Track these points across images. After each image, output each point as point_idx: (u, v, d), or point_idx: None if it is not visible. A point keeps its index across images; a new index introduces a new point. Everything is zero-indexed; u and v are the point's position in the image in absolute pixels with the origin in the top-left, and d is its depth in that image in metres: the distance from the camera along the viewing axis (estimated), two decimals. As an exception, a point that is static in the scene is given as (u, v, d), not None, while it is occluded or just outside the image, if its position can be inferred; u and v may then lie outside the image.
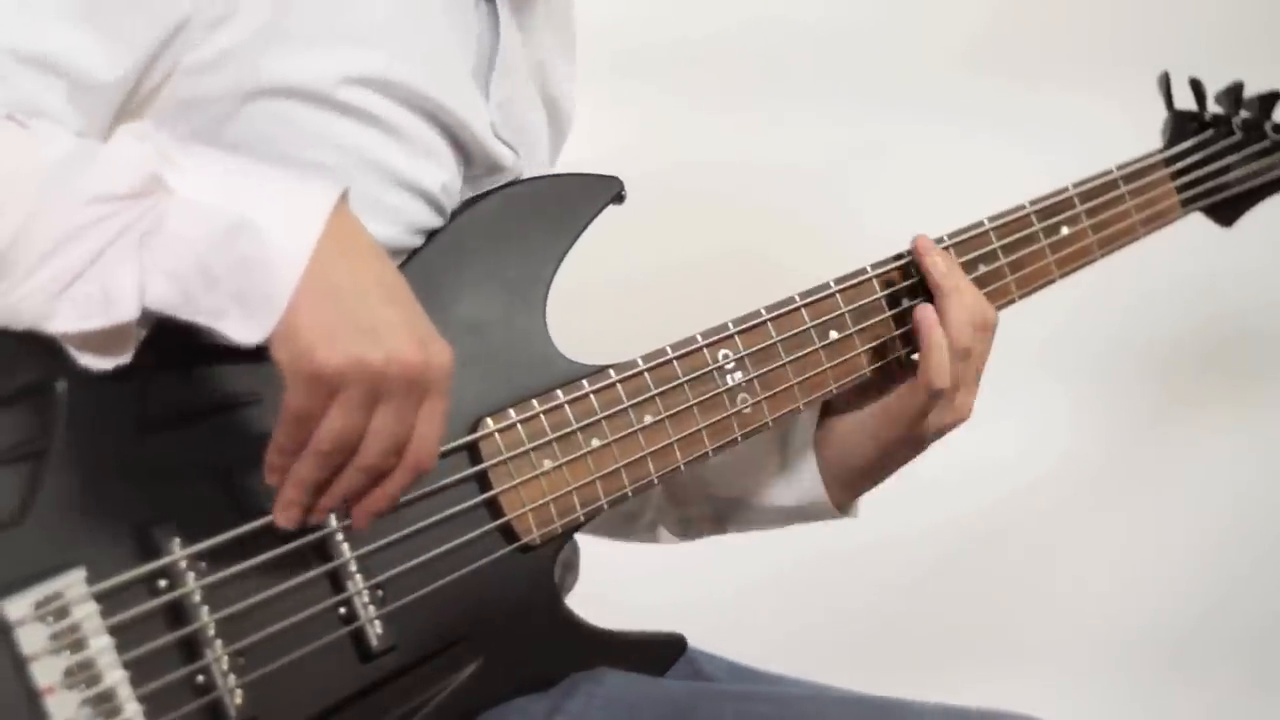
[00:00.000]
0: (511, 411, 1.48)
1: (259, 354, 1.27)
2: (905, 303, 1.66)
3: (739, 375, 1.58)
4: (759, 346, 1.59)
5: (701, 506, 1.77)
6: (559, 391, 1.50)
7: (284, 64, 1.39)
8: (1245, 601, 2.90)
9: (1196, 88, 1.92)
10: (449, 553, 1.45)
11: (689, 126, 2.67)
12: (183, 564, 1.32)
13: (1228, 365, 2.86)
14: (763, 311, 1.60)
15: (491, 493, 1.46)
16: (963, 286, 1.63)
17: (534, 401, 1.49)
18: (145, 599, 1.31)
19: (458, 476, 1.45)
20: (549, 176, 1.61)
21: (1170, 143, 1.89)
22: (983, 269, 1.70)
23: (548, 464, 1.49)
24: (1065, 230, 1.76)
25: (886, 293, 1.65)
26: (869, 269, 1.65)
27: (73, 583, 1.28)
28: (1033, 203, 1.74)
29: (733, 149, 2.68)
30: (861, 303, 1.64)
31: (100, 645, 1.28)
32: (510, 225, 1.52)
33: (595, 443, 1.51)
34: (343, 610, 1.40)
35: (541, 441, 1.49)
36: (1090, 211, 1.78)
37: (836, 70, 2.73)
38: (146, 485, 1.33)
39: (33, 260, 1.25)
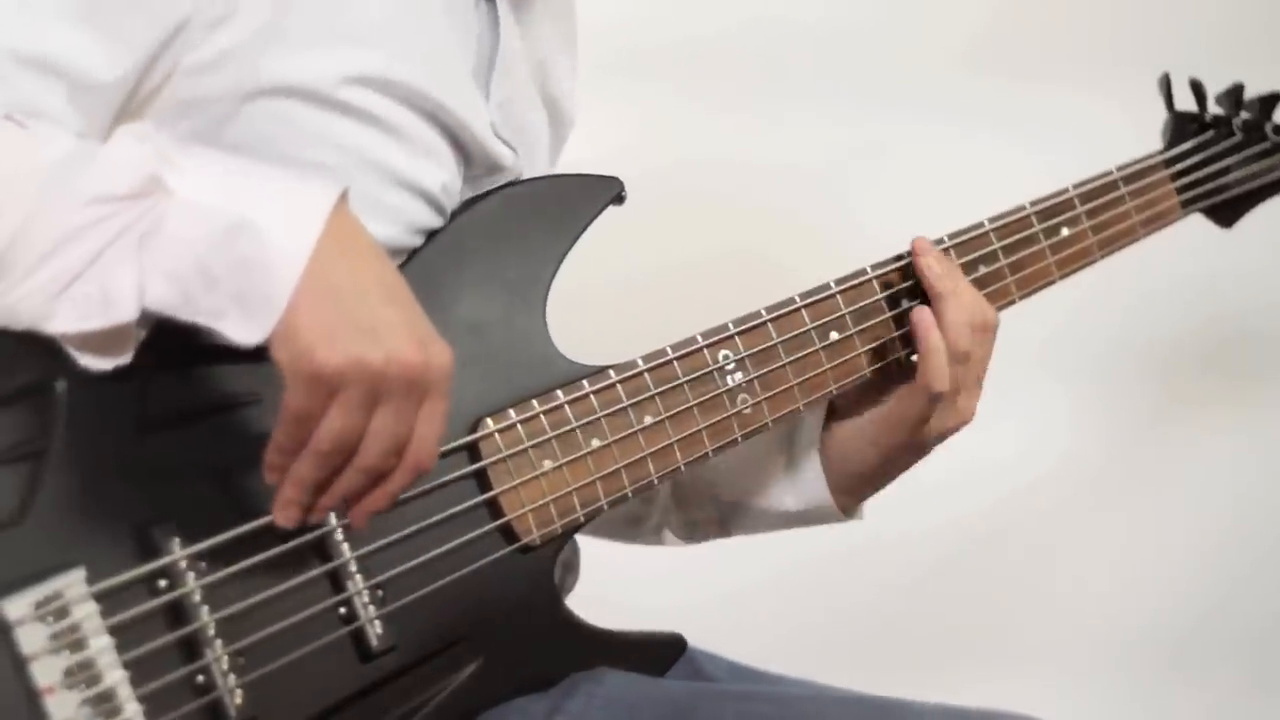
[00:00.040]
0: (511, 411, 1.48)
1: (258, 354, 1.27)
2: (905, 304, 1.66)
3: (739, 376, 1.58)
4: (759, 347, 1.59)
5: (707, 510, 1.77)
6: (559, 392, 1.50)
7: (284, 64, 1.39)
8: (1245, 601, 2.90)
9: (1197, 89, 1.92)
10: (449, 553, 1.45)
11: (689, 126, 2.67)
12: (182, 564, 1.32)
13: (1228, 366, 2.86)
14: (763, 312, 1.60)
15: (491, 493, 1.46)
16: (960, 289, 1.63)
17: (534, 402, 1.49)
18: (145, 599, 1.31)
19: (457, 476, 1.45)
20: (549, 177, 1.62)
21: (1170, 144, 1.89)
22: (983, 270, 1.70)
23: (548, 464, 1.49)
24: (1065, 231, 1.76)
25: (887, 294, 1.65)
26: (869, 270, 1.65)
27: (72, 582, 1.28)
28: (1033, 203, 1.74)
29: (733, 149, 2.68)
30: (862, 304, 1.64)
31: (100, 645, 1.28)
32: (510, 225, 1.52)
33: (595, 443, 1.51)
34: (343, 610, 1.40)
35: (541, 441, 1.49)
36: (1090, 212, 1.78)
37: (836, 70, 2.73)
38: (146, 485, 1.33)
39: (32, 261, 1.25)
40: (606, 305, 2.22)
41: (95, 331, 1.27)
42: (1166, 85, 1.91)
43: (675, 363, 1.55)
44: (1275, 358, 2.87)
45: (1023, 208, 1.73)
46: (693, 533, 1.80)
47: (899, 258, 1.66)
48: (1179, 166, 1.87)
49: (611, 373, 1.53)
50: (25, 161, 1.27)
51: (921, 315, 1.61)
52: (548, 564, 1.50)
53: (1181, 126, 1.90)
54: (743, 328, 1.59)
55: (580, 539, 1.65)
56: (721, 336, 1.58)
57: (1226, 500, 2.89)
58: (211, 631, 1.33)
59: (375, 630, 1.41)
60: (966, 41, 2.79)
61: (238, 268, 1.25)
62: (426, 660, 1.44)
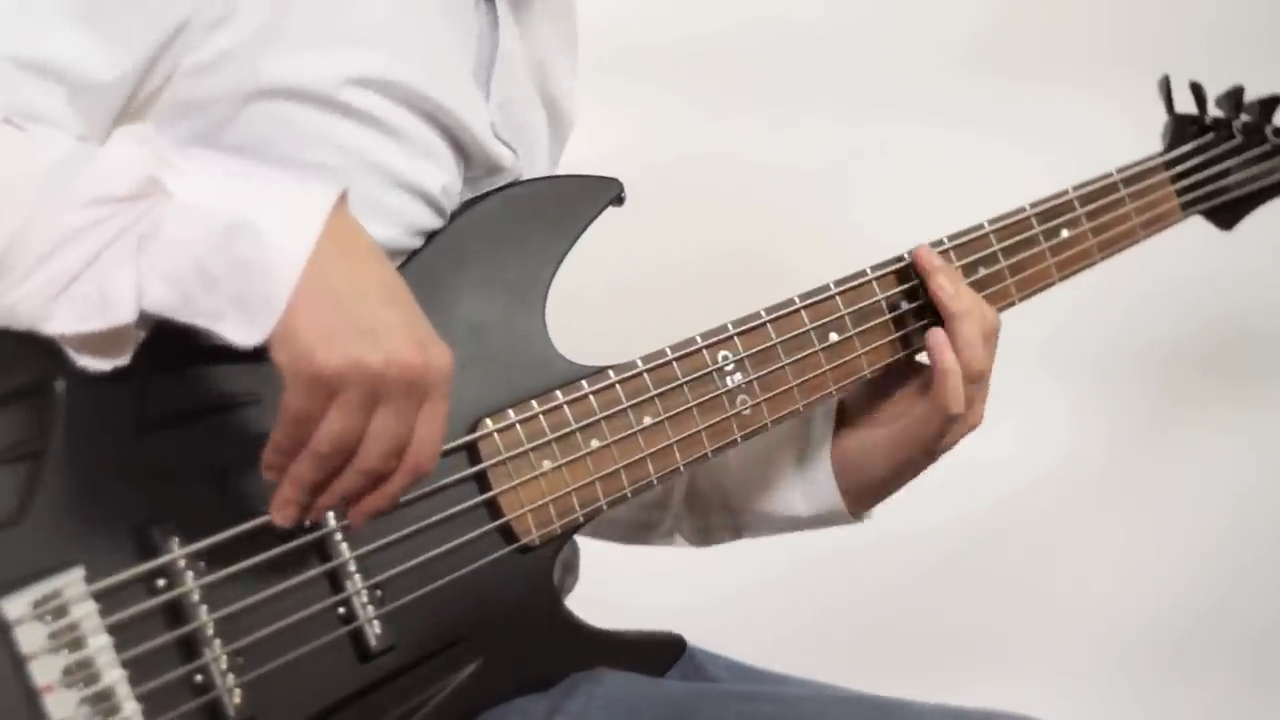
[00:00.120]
0: (511, 412, 1.48)
1: (258, 354, 1.27)
2: (905, 305, 1.66)
3: (738, 377, 1.58)
4: (759, 348, 1.59)
5: (721, 516, 1.78)
6: (558, 392, 1.50)
7: (283, 65, 1.39)
8: (1245, 602, 2.90)
9: (1197, 91, 1.92)
10: (448, 553, 1.45)
11: (689, 126, 2.67)
12: (181, 563, 1.32)
13: (1228, 367, 2.86)
14: (762, 313, 1.60)
15: (491, 493, 1.47)
16: (971, 309, 1.63)
17: (533, 402, 1.49)
18: (144, 598, 1.31)
19: (457, 477, 1.45)
20: (548, 178, 1.62)
21: (1170, 146, 1.89)
22: (983, 271, 1.70)
23: (547, 465, 1.49)
24: (1065, 233, 1.76)
25: (886, 295, 1.65)
26: (869, 271, 1.65)
27: (71, 582, 1.28)
28: (1033, 205, 1.74)
29: (733, 149, 2.68)
30: (861, 305, 1.64)
31: (99, 644, 1.28)
32: (510, 227, 1.52)
33: (595, 444, 1.51)
34: (341, 610, 1.40)
35: (541, 442, 1.49)
36: (1090, 214, 1.78)
37: (836, 70, 2.73)
38: (145, 485, 1.33)
39: (30, 262, 1.25)
40: (606, 306, 2.22)
41: (94, 333, 1.27)
42: (1166, 88, 1.92)
43: (674, 363, 1.55)
44: (1275, 358, 2.87)
45: (1023, 209, 1.74)
46: (706, 538, 1.81)
47: (898, 259, 1.66)
48: (1179, 169, 1.87)
49: (611, 373, 1.53)
50: (24, 164, 1.27)
51: (936, 338, 1.62)
52: (547, 564, 1.50)
53: (1181, 129, 1.90)
54: (742, 329, 1.59)
55: (580, 539, 1.65)
56: (721, 337, 1.58)
57: (1227, 500, 2.89)
58: (210, 631, 1.33)
59: (374, 630, 1.41)
60: (966, 42, 2.79)
61: (236, 269, 1.25)
62: (425, 660, 1.44)
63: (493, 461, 1.47)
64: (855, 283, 1.64)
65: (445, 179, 1.50)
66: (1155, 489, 2.88)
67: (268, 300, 1.24)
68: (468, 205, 1.52)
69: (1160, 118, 1.93)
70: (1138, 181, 1.83)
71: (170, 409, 1.35)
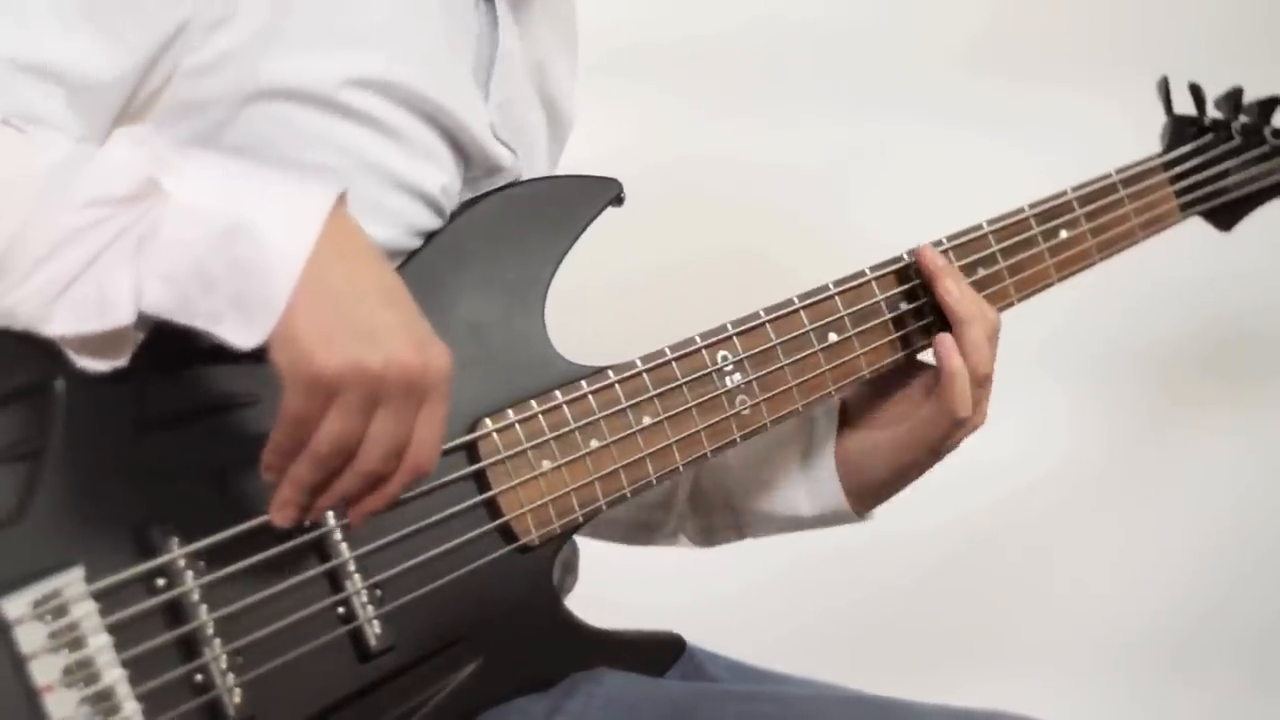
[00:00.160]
0: (510, 412, 1.48)
1: (257, 354, 1.27)
2: (904, 306, 1.66)
3: (738, 377, 1.58)
4: (758, 348, 1.59)
5: (724, 516, 1.78)
6: (557, 392, 1.50)
7: (283, 66, 1.39)
8: (1245, 602, 2.90)
9: (1196, 93, 1.92)
10: (448, 553, 1.45)
11: (689, 126, 2.67)
12: (181, 563, 1.33)
13: (1227, 367, 2.86)
14: (762, 313, 1.60)
15: (490, 493, 1.47)
16: (976, 312, 1.63)
17: (532, 402, 1.49)
18: (143, 598, 1.31)
19: (456, 476, 1.45)
20: (547, 178, 1.62)
21: (1169, 147, 1.89)
22: (982, 272, 1.70)
23: (546, 465, 1.49)
24: (1064, 234, 1.76)
25: (885, 295, 1.66)
26: (868, 271, 1.65)
27: (71, 581, 1.28)
28: (1031, 206, 1.75)
29: (732, 149, 2.68)
30: (860, 305, 1.64)
31: (99, 644, 1.28)
32: (509, 227, 1.52)
33: (594, 443, 1.51)
34: (341, 610, 1.40)
35: (540, 442, 1.49)
36: (1089, 215, 1.78)
37: (836, 70, 2.73)
38: (145, 484, 1.33)
39: (29, 264, 1.25)
40: (605, 306, 2.22)
41: (93, 334, 1.27)
42: (1165, 89, 1.92)
43: (674, 363, 1.55)
44: (1274, 359, 2.87)
45: (1021, 210, 1.74)
46: (710, 538, 1.81)
47: (898, 260, 1.66)
48: (1178, 170, 1.87)
49: (610, 373, 1.53)
50: (23, 165, 1.27)
51: (943, 343, 1.62)
52: (546, 564, 1.50)
53: (1180, 130, 1.91)
54: (741, 329, 1.59)
55: (580, 539, 1.66)
56: (720, 337, 1.58)
57: (1226, 500, 2.89)
58: (210, 630, 1.33)
59: (374, 630, 1.41)
60: (966, 42, 2.79)
61: (235, 270, 1.25)
62: (425, 660, 1.44)
63: (492, 461, 1.47)
64: (854, 283, 1.64)
65: (445, 179, 1.50)
66: (1154, 489, 2.88)
67: (267, 301, 1.24)
68: (466, 205, 1.52)
69: (1160, 118, 1.93)
70: (1137, 182, 1.83)
71: (170, 409, 1.35)
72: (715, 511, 1.77)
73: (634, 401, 1.53)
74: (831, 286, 1.63)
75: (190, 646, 1.33)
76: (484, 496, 1.46)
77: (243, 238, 1.25)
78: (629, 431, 1.53)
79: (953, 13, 2.78)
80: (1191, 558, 2.89)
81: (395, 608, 1.42)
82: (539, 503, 1.48)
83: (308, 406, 1.26)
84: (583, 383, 1.51)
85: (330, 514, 1.38)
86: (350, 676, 1.40)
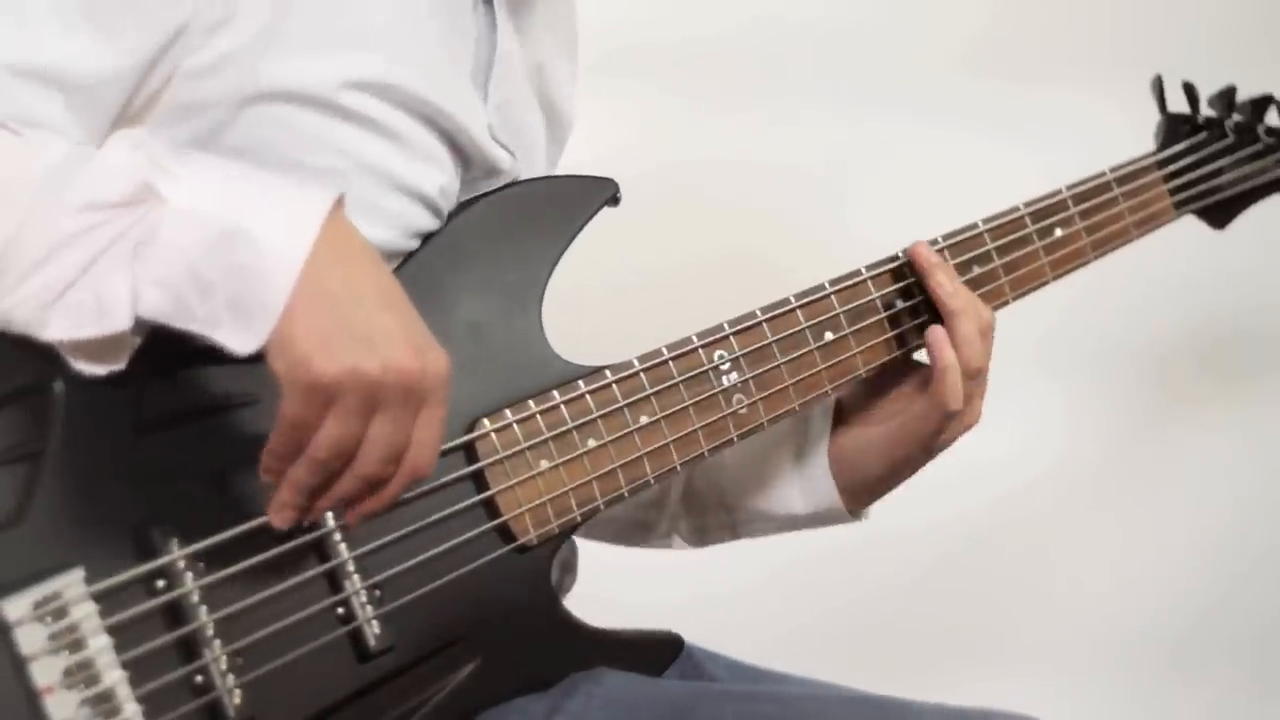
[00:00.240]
0: (508, 412, 1.48)
1: (256, 355, 1.27)
2: (899, 304, 1.66)
3: (734, 376, 1.58)
4: (754, 347, 1.59)
5: (717, 516, 1.78)
6: (555, 392, 1.50)
7: (283, 68, 1.39)
8: (1245, 601, 2.90)
9: (1190, 91, 1.93)
10: (446, 553, 1.45)
11: (688, 126, 2.67)
12: (181, 564, 1.33)
13: (1222, 365, 2.86)
14: (758, 312, 1.60)
15: (488, 493, 1.47)
16: (968, 306, 1.64)
17: (530, 402, 1.49)
18: (143, 599, 1.31)
19: (454, 476, 1.46)
20: (544, 178, 1.62)
21: (1163, 145, 1.89)
22: (977, 270, 1.70)
23: (544, 464, 1.49)
24: (1059, 232, 1.76)
25: (881, 294, 1.66)
26: (864, 270, 1.65)
27: (71, 583, 1.28)
28: (1027, 204, 1.75)
29: (731, 149, 2.68)
30: (856, 304, 1.65)
31: (99, 645, 1.29)
32: (506, 227, 1.52)
33: (591, 443, 1.51)
34: (340, 610, 1.40)
35: (538, 442, 1.49)
36: (1084, 213, 1.78)
37: (836, 70, 2.73)
38: (144, 486, 1.33)
39: (25, 267, 1.25)
40: (602, 306, 2.22)
41: (89, 339, 1.27)
42: (1159, 87, 1.92)
43: (671, 363, 1.56)
44: (1270, 357, 2.87)
45: (1016, 208, 1.74)
46: (703, 538, 1.81)
47: (893, 258, 1.67)
48: (1172, 168, 1.87)
49: (607, 373, 1.53)
50: (19, 168, 1.27)
51: (935, 335, 1.62)
52: (545, 564, 1.51)
53: (1174, 128, 1.91)
54: (738, 328, 1.59)
55: (578, 539, 1.66)
56: (717, 336, 1.58)
57: (1224, 499, 2.89)
58: (210, 631, 1.33)
59: (373, 630, 1.41)
60: (966, 42, 2.79)
61: (232, 274, 1.25)
62: (424, 660, 1.44)
63: (490, 461, 1.47)
64: (850, 282, 1.65)
65: (443, 181, 1.50)
66: (1151, 487, 2.88)
67: (264, 306, 1.24)
68: (463, 206, 1.52)
69: (1158, 117, 1.93)
70: (1131, 181, 1.83)
71: (169, 410, 1.35)
72: (709, 511, 1.77)
73: (631, 401, 1.53)
74: (827, 285, 1.63)
75: (190, 647, 1.33)
76: (482, 496, 1.47)
77: (240, 242, 1.25)
78: (626, 431, 1.53)
79: (952, 13, 2.78)
80: (1189, 555, 2.89)
81: (394, 608, 1.42)
82: (537, 502, 1.49)
83: (306, 411, 1.26)
84: (580, 382, 1.51)
85: (329, 515, 1.39)
86: (350, 677, 1.41)
